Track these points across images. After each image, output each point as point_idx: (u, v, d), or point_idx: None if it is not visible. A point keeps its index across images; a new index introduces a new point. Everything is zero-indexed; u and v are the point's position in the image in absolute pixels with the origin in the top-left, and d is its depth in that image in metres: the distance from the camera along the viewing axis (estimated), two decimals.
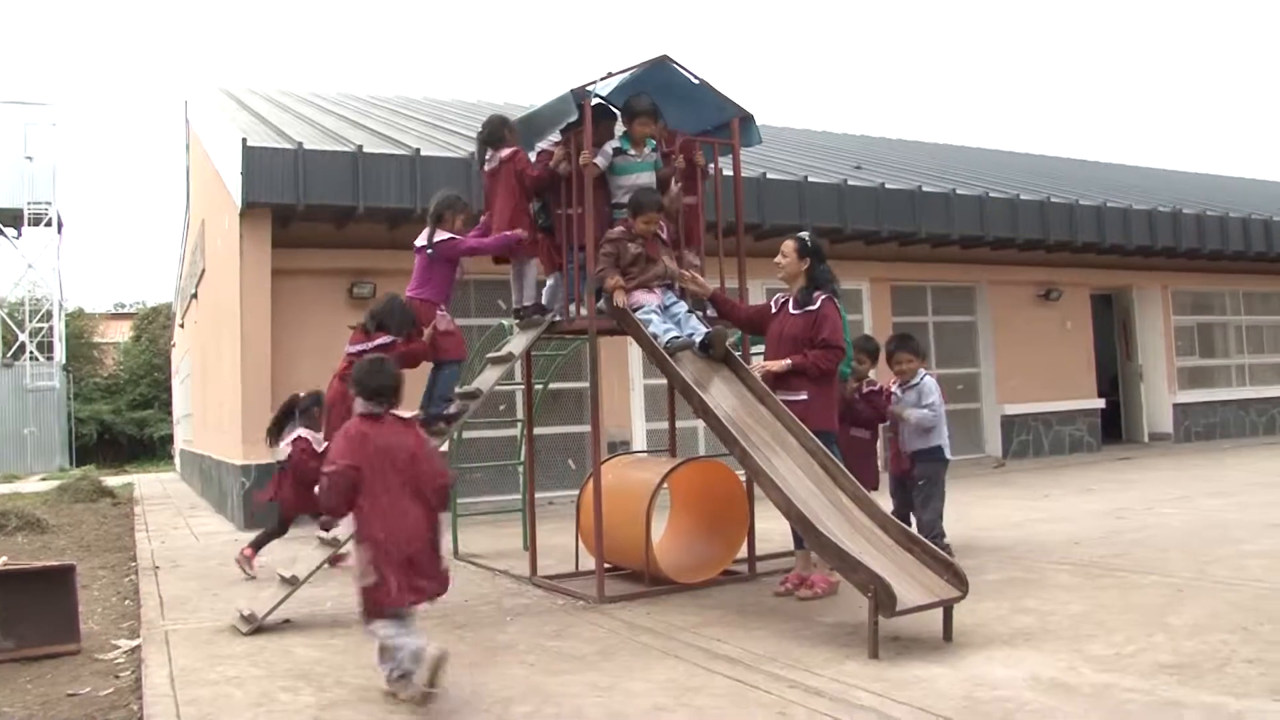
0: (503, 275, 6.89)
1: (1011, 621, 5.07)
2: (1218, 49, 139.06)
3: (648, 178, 6.41)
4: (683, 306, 6.31)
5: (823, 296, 6.08)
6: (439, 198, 6.42)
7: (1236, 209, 17.94)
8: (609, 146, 6.33)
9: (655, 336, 6.03)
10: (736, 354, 6.36)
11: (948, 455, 6.84)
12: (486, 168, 6.54)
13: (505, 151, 6.46)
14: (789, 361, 5.96)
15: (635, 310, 6.18)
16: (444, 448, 7.54)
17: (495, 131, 6.50)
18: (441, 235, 6.28)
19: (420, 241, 6.34)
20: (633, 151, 6.37)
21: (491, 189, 6.52)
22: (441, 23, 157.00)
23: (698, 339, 6.08)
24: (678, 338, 6.04)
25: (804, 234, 6.34)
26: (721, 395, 5.94)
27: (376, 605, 4.15)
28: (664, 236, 6.42)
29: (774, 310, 6.29)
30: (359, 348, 6.03)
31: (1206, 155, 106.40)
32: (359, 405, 4.35)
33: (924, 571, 4.85)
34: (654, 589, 6.21)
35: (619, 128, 6.57)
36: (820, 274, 6.17)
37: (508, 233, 6.33)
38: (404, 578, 4.13)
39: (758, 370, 6.07)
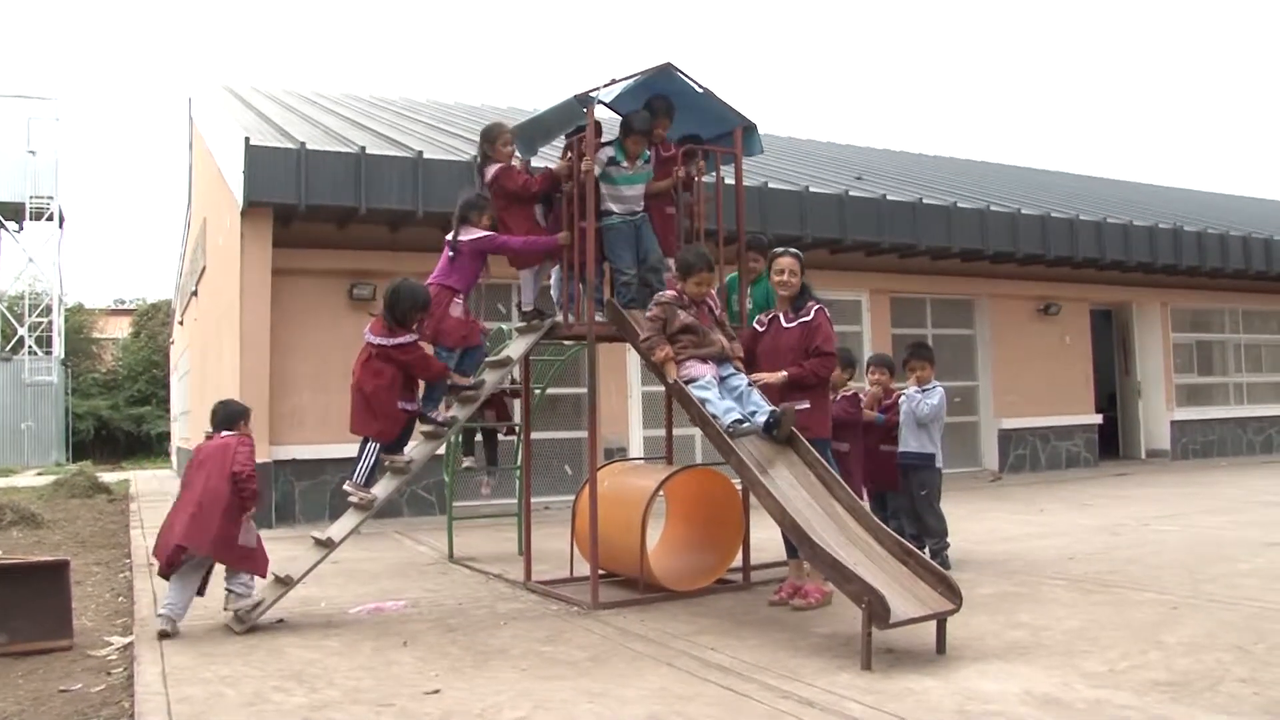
0: (505, 280, 6.90)
1: (1005, 636, 5.06)
2: (1222, 67, 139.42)
3: (637, 190, 6.42)
4: (742, 379, 5.89)
5: (816, 306, 6.12)
6: (464, 198, 6.46)
7: (1237, 227, 17.98)
8: (603, 154, 6.33)
9: (715, 417, 5.56)
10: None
11: (939, 465, 7.06)
12: (486, 181, 6.61)
13: (490, 172, 6.50)
14: (785, 374, 5.96)
15: (689, 383, 5.77)
16: (441, 450, 7.56)
17: (481, 148, 6.62)
18: (472, 234, 6.32)
19: (450, 237, 6.41)
20: (625, 164, 6.35)
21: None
22: (446, 25, 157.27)
23: (761, 418, 5.63)
24: (741, 421, 5.57)
25: (793, 249, 6.36)
26: None
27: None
28: (716, 308, 6.17)
29: (760, 329, 6.30)
30: (380, 341, 6.04)
31: (1208, 173, 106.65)
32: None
33: (918, 584, 4.84)
34: (648, 596, 6.21)
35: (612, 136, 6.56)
36: (807, 285, 6.26)
37: (543, 238, 6.44)
38: (173, 534, 5.51)
39: (755, 382, 6.04)
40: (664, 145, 6.65)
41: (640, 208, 6.46)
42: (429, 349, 6.27)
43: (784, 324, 6.18)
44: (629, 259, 6.42)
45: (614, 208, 6.38)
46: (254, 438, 6.11)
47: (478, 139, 6.87)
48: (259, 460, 10.04)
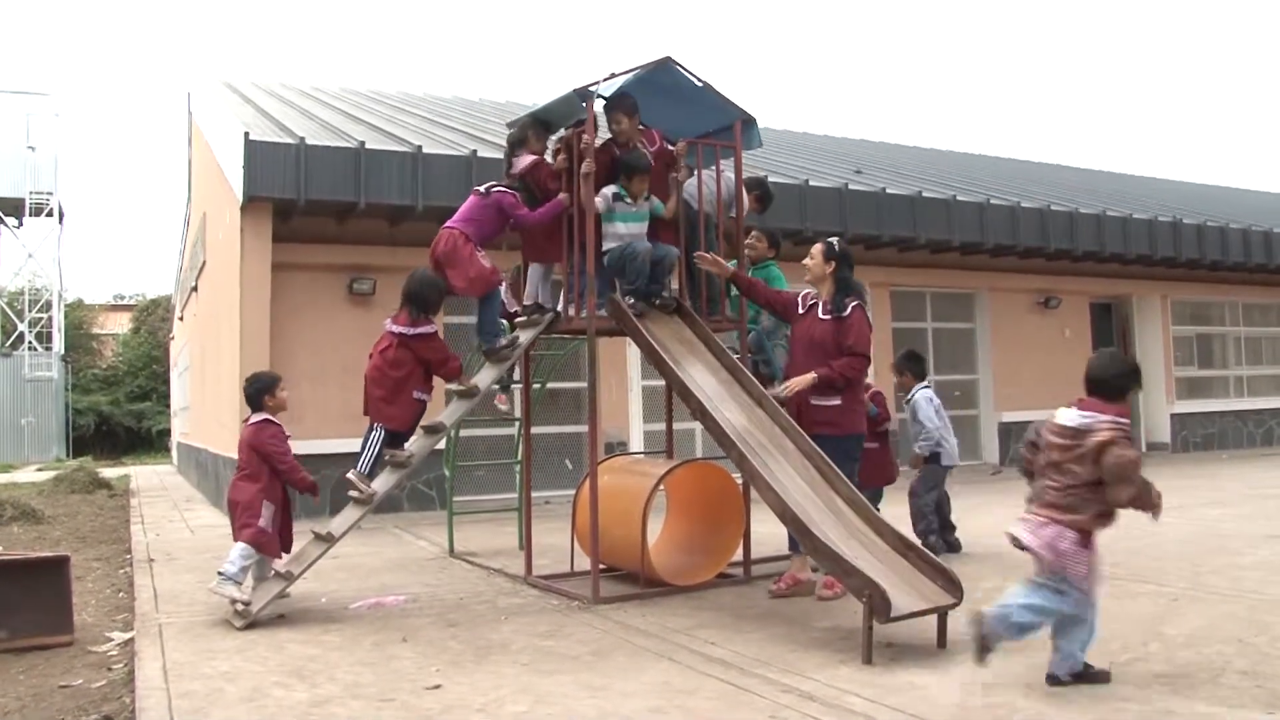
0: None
1: None
2: (1221, 59, 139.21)
3: (641, 228, 6.36)
4: None
5: (854, 304, 6.06)
6: (515, 125, 6.60)
7: (1237, 220, 17.96)
8: (608, 191, 6.29)
9: None
10: (734, 355, 6.37)
11: (945, 462, 7.44)
12: (513, 171, 6.58)
13: (525, 162, 6.50)
14: (814, 376, 5.88)
15: None
16: (441, 445, 7.53)
17: (520, 134, 6.60)
18: (502, 186, 6.39)
19: (481, 187, 6.50)
20: (629, 200, 6.29)
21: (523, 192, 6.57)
22: (444, 19, 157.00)
23: None
24: None
25: (834, 239, 6.33)
26: (719, 398, 5.93)
27: None
28: None
29: (802, 310, 6.20)
30: (401, 330, 6.13)
31: (1208, 166, 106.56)
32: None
33: (919, 578, 4.84)
34: (649, 590, 6.21)
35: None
36: (849, 280, 6.17)
37: (551, 204, 6.39)
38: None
39: (788, 393, 5.92)
40: (648, 137, 6.62)
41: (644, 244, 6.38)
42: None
43: (820, 315, 6.09)
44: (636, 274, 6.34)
45: (613, 246, 6.32)
46: (284, 404, 6.34)
47: (495, 147, 6.89)
48: None
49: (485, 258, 6.34)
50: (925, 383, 7.57)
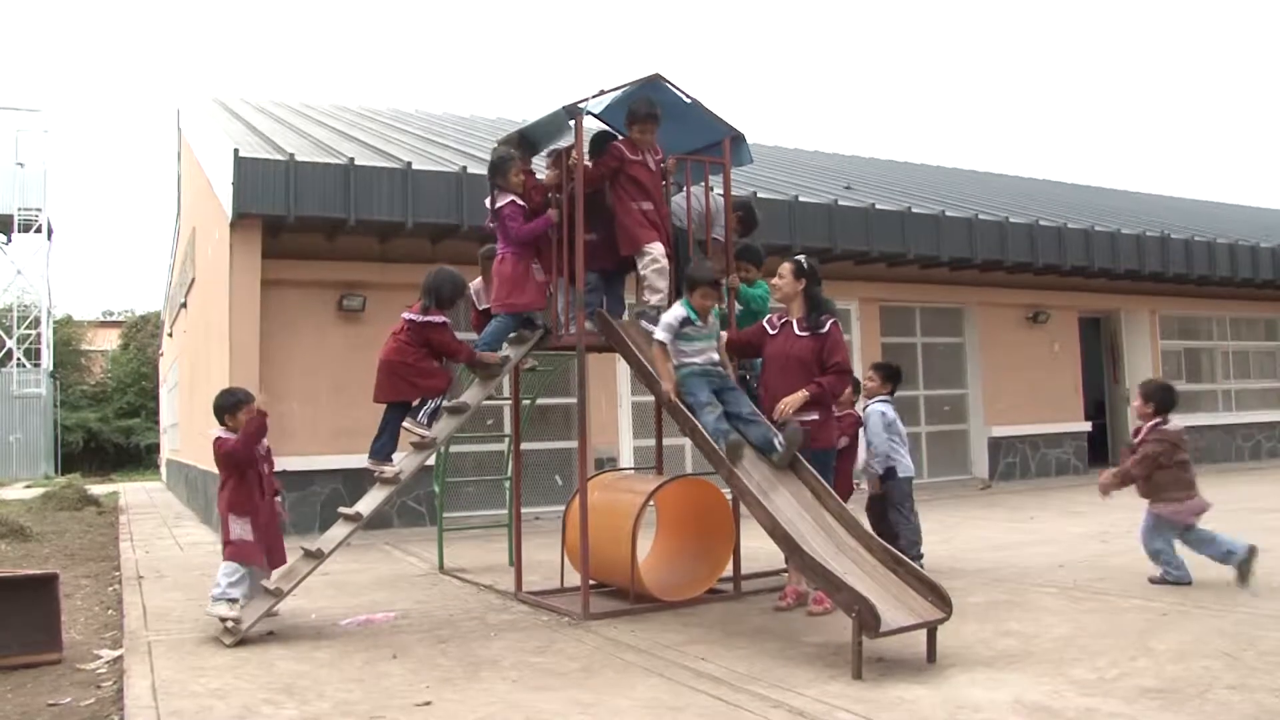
0: None
1: (995, 644, 5.08)
2: (1207, 75, 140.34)
3: (712, 347, 6.10)
4: None
5: (831, 321, 6.09)
6: (490, 163, 6.56)
7: (1224, 235, 18.07)
8: (674, 319, 5.99)
9: None
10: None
11: (900, 474, 7.18)
12: (495, 208, 6.46)
13: (499, 204, 6.40)
14: (805, 394, 5.86)
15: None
16: (431, 460, 7.53)
17: (502, 163, 6.43)
18: (502, 200, 6.39)
19: (488, 205, 6.56)
20: (700, 322, 6.03)
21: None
22: (435, 36, 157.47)
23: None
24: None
25: (800, 256, 6.34)
26: None
27: None
28: None
29: (772, 331, 6.19)
30: (414, 317, 6.26)
31: (1195, 181, 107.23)
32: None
33: (908, 593, 4.85)
34: (639, 606, 6.21)
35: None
36: (820, 296, 6.19)
37: (539, 220, 6.40)
38: None
39: (782, 415, 5.82)
40: (654, 151, 6.64)
41: (717, 359, 6.08)
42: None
43: (797, 332, 6.09)
44: (705, 395, 5.87)
45: (685, 360, 6.05)
46: (248, 421, 6.27)
47: (486, 164, 6.79)
48: None
49: (541, 272, 6.44)
50: (886, 396, 7.31)
